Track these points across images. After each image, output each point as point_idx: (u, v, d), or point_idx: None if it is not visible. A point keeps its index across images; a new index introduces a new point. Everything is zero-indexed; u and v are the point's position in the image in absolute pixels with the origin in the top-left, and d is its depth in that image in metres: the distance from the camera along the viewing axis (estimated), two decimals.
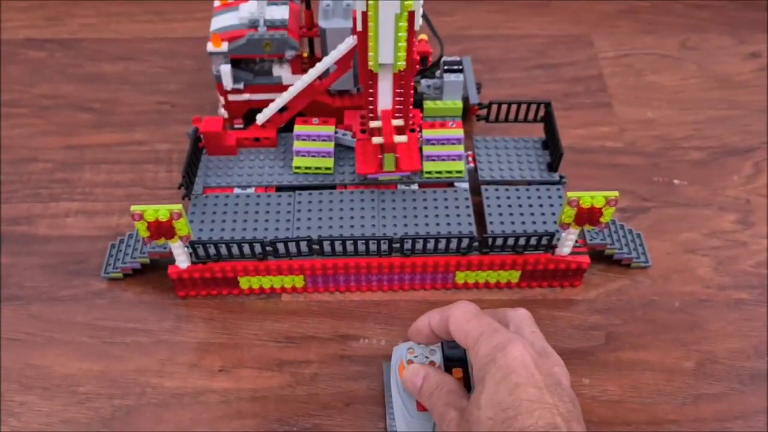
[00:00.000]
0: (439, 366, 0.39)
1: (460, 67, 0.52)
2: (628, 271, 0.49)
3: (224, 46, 0.50)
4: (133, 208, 0.40)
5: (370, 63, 0.44)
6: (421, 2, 0.42)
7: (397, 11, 0.41)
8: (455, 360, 0.39)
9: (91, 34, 0.65)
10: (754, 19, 0.66)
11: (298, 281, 0.47)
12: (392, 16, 0.41)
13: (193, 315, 0.46)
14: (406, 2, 0.41)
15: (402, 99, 0.46)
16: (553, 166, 0.50)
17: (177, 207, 0.40)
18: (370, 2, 0.40)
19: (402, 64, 0.44)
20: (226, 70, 0.51)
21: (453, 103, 0.52)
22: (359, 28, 0.43)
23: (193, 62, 0.62)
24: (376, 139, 0.47)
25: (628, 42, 0.64)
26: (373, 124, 0.47)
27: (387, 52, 0.43)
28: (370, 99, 0.46)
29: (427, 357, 0.39)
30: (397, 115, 0.47)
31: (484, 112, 0.53)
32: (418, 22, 0.43)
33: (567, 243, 0.45)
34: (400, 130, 0.47)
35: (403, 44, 0.43)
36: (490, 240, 0.45)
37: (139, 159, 0.55)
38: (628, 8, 0.67)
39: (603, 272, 0.48)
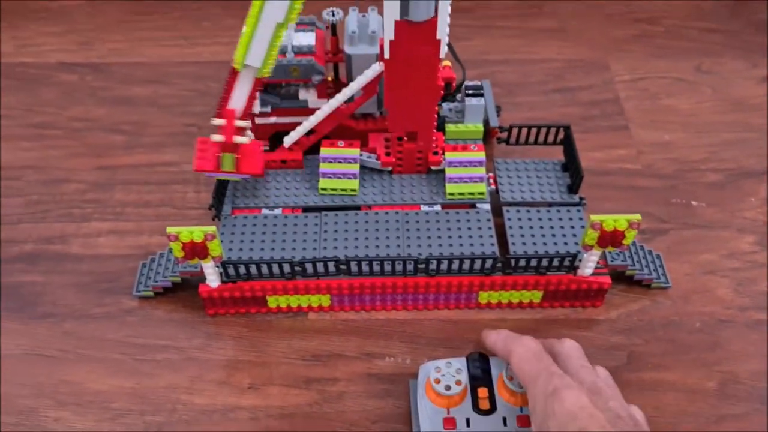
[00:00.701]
0: (465, 385, 0.40)
1: (481, 92, 0.54)
2: (649, 292, 0.49)
3: None
4: (168, 229, 0.41)
5: (236, 60, 0.45)
6: (447, 31, 0.43)
7: (280, 20, 0.42)
8: (481, 379, 0.40)
9: (120, 58, 0.67)
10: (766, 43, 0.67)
11: (325, 300, 0.48)
12: (273, 24, 0.42)
13: (222, 333, 0.48)
14: (291, 15, 0.42)
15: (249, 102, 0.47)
16: (573, 188, 0.52)
17: (211, 229, 0.41)
18: (255, 1, 0.42)
19: (268, 71, 0.45)
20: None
21: (474, 126, 0.54)
22: (386, 56, 0.44)
23: (219, 85, 0.64)
24: (216, 137, 0.47)
25: (644, 66, 0.66)
26: (217, 121, 0.47)
27: (257, 55, 0.45)
28: (224, 95, 0.47)
29: (453, 376, 0.40)
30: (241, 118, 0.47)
31: (504, 134, 0.54)
32: (443, 50, 0.44)
33: (589, 264, 0.46)
34: (242, 132, 0.47)
35: (275, 53, 0.44)
36: (513, 261, 0.46)
37: (168, 180, 0.57)
38: (642, 33, 0.69)
39: (624, 293, 0.49)
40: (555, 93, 0.63)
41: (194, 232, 0.41)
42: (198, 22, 0.70)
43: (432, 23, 0.42)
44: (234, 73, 0.46)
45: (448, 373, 0.40)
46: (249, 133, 0.55)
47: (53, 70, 0.65)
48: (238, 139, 0.47)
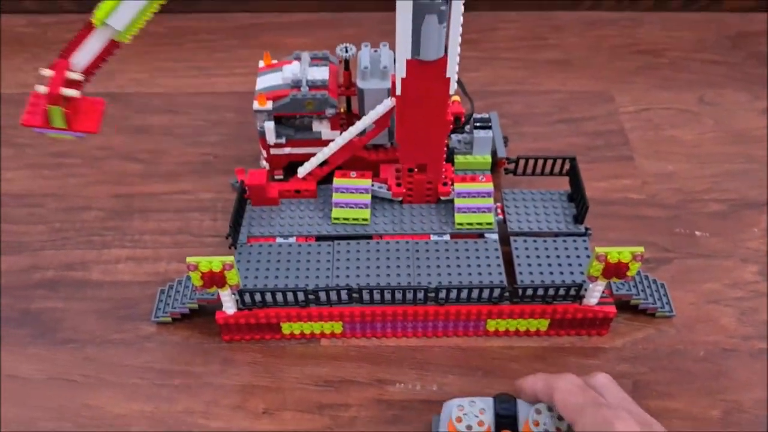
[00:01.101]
0: (488, 426, 0.41)
1: (489, 124, 0.56)
2: (653, 321, 0.51)
3: (269, 105, 0.53)
4: (188, 259, 0.43)
5: (96, 16, 0.43)
6: (456, 69, 0.45)
7: None
8: (506, 418, 0.41)
9: (138, 88, 0.69)
10: None
11: (337, 327, 0.49)
12: None
13: (237, 359, 0.49)
14: None
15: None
16: (578, 219, 0.53)
17: (229, 259, 0.43)
18: None
19: (128, 38, 0.44)
20: (270, 126, 0.54)
21: (482, 157, 0.55)
22: (398, 92, 0.46)
23: (234, 115, 0.66)
24: (40, 88, 0.44)
25: (647, 97, 0.67)
26: (45, 72, 0.44)
27: (123, 18, 0.43)
28: (68, 46, 0.44)
29: (476, 416, 0.41)
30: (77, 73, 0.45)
31: (512, 166, 0.56)
32: (453, 86, 0.46)
33: (594, 294, 0.47)
34: (75, 85, 0.44)
35: (141, 23, 0.43)
36: (520, 290, 0.47)
37: (185, 207, 0.58)
38: (646, 65, 0.70)
39: (629, 321, 0.51)
40: (560, 123, 0.65)
41: (213, 262, 0.43)
42: (212, 53, 0.72)
43: (442, 62, 0.44)
44: (90, 28, 0.43)
45: (470, 412, 0.41)
46: (263, 162, 0.57)
47: None
48: (66, 91, 0.44)
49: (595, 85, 0.69)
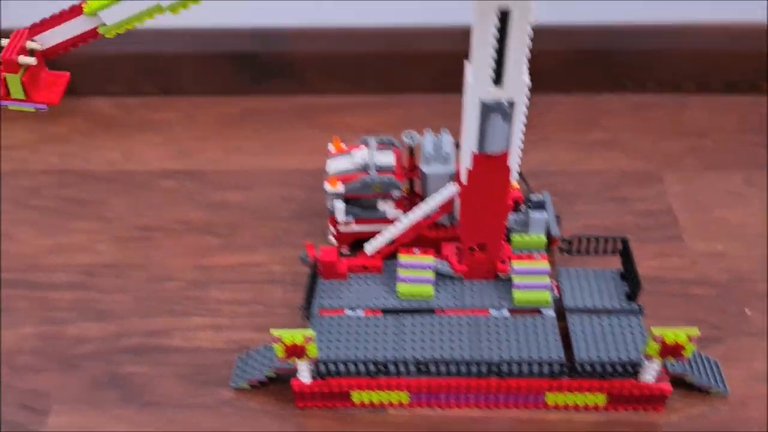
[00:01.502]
0: None
1: (543, 205, 0.59)
2: (707, 398, 0.52)
3: (340, 187, 0.58)
4: (272, 331, 0.47)
5: (90, 6, 0.41)
6: (519, 161, 0.49)
7: (163, 4, 0.42)
8: None
9: (215, 166, 0.75)
10: None
11: (404, 397, 0.52)
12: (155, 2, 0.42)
13: (310, 425, 0.52)
14: (176, 7, 0.41)
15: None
16: (631, 297, 0.56)
17: (310, 332, 0.47)
18: None
19: (111, 35, 0.43)
20: (340, 206, 0.59)
21: (538, 237, 0.59)
22: (463, 181, 0.50)
23: (302, 192, 0.71)
24: None
25: (694, 178, 0.70)
26: (4, 41, 0.43)
27: (115, 15, 0.42)
28: (43, 21, 0.43)
29: None
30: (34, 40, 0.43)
31: (566, 245, 0.59)
32: (515, 175, 0.50)
33: (650, 371, 0.49)
34: (33, 54, 0.43)
35: (131, 25, 0.42)
36: (578, 366, 0.50)
37: (259, 279, 0.63)
38: (692, 146, 0.74)
39: (683, 398, 0.52)
40: (610, 202, 0.68)
41: (296, 336, 0.47)
42: (280, 132, 0.78)
43: (505, 155, 0.48)
44: (76, 12, 0.42)
45: None
46: (331, 238, 0.61)
47: (156, 177, 0.74)
48: (24, 59, 0.42)
49: (643, 165, 0.72)
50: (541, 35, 0.76)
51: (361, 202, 0.60)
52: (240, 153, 0.76)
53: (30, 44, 0.43)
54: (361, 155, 0.60)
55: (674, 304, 0.59)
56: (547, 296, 0.56)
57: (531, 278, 0.57)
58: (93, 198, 0.72)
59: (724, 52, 0.77)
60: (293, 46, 0.80)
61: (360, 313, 0.56)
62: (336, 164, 0.60)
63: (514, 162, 0.49)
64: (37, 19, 0.44)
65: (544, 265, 0.57)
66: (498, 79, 0.44)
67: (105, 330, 0.60)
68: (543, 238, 0.59)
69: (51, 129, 0.80)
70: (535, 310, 0.56)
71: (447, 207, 0.55)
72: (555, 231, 0.61)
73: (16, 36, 0.43)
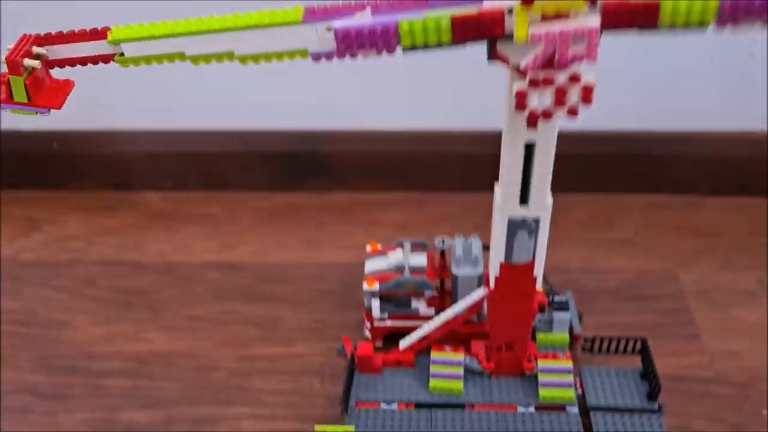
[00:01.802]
0: None
1: (566, 306, 0.63)
2: None
3: (376, 286, 0.63)
4: (317, 427, 0.51)
5: (114, 35, 0.42)
6: (542, 269, 0.54)
7: (191, 53, 0.42)
8: None
9: (256, 259, 0.80)
10: None
11: None
12: (177, 48, 0.42)
13: None
14: (197, 59, 0.41)
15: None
16: (651, 396, 0.59)
17: (350, 428, 0.51)
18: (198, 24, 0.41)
19: (127, 65, 0.43)
20: (376, 304, 0.64)
21: (561, 336, 0.63)
22: (491, 287, 0.55)
23: (339, 286, 0.76)
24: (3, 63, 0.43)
25: (710, 278, 0.74)
26: (10, 46, 0.43)
27: (136, 51, 0.43)
28: (62, 37, 0.43)
29: None
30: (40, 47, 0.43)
31: (588, 344, 0.63)
32: (540, 282, 0.55)
33: None
34: (38, 58, 0.43)
35: (145, 63, 0.42)
36: None
37: (298, 370, 0.67)
38: (706, 246, 0.78)
39: None
40: (629, 301, 0.72)
41: (337, 431, 0.51)
42: (318, 228, 0.84)
43: (531, 264, 0.53)
44: (98, 36, 0.42)
45: None
46: (366, 332, 0.65)
47: (202, 269, 0.79)
48: (28, 62, 0.42)
49: (659, 264, 0.76)
50: (563, 140, 0.82)
51: (395, 299, 0.65)
52: (279, 247, 0.82)
53: (36, 50, 0.43)
54: (396, 257, 0.65)
55: (693, 402, 0.62)
56: (571, 394, 0.59)
57: (555, 376, 0.60)
58: (144, 288, 0.77)
59: (735, 158, 0.82)
60: (331, 147, 0.86)
61: (394, 406, 0.60)
62: (373, 264, 0.65)
63: (540, 270, 0.54)
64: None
65: (567, 363, 0.61)
66: (524, 199, 0.49)
67: (154, 417, 0.64)
68: (566, 337, 0.63)
69: (105, 222, 0.86)
70: (560, 407, 0.59)
71: (476, 308, 0.60)
72: (578, 329, 0.65)
73: (23, 40, 0.43)
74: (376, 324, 0.65)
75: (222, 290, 0.76)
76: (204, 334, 0.71)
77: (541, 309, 0.61)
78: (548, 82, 0.39)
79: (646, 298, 0.72)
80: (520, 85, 0.39)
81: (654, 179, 0.85)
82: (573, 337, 0.65)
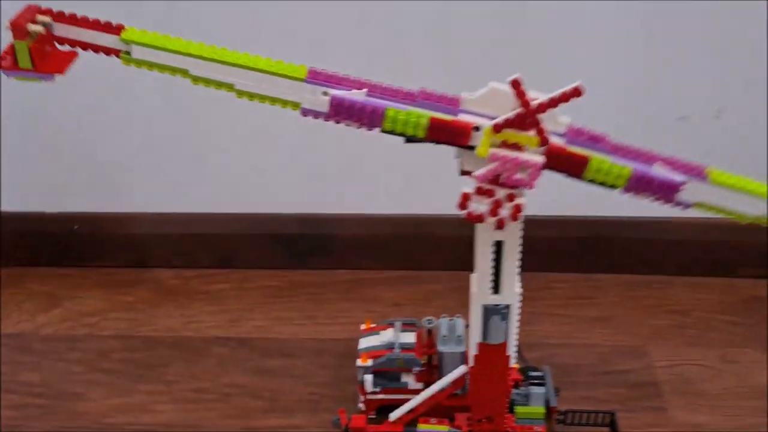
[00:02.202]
0: None
1: (543, 380, 0.70)
2: None
3: (369, 362, 0.70)
4: None
5: (127, 35, 0.44)
6: (515, 348, 0.61)
7: (197, 73, 0.46)
8: None
9: (261, 334, 0.87)
10: None
11: None
12: (192, 68, 0.45)
13: None
14: (197, 81, 0.45)
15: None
16: None
17: None
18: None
19: (131, 64, 0.46)
20: (368, 378, 0.70)
21: (537, 409, 0.69)
22: (471, 364, 0.61)
23: (336, 360, 0.82)
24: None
25: (678, 353, 0.80)
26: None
27: (144, 56, 0.45)
28: (75, 20, 0.45)
29: None
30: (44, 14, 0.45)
31: (562, 417, 0.69)
32: (513, 361, 0.61)
33: None
34: (45, 25, 0.44)
35: (152, 69, 0.45)
36: None
37: None
38: (676, 323, 0.84)
39: None
40: (603, 375, 0.78)
41: None
42: (320, 305, 0.91)
43: (504, 345, 0.60)
44: (111, 30, 0.45)
45: None
46: (360, 405, 0.71)
47: (210, 343, 0.86)
48: (33, 27, 0.43)
49: (632, 340, 0.83)
50: (546, 225, 0.90)
51: (387, 374, 0.71)
52: (283, 323, 0.88)
53: (41, 18, 0.44)
54: (387, 335, 0.71)
55: None
56: None
57: None
58: (156, 362, 0.83)
59: (702, 242, 0.90)
60: (333, 229, 0.94)
61: None
62: (366, 342, 0.72)
63: (512, 349, 0.60)
64: None
65: None
66: (496, 289, 0.57)
67: None
68: (542, 410, 0.69)
69: (121, 298, 0.93)
70: None
71: (459, 383, 0.66)
72: (553, 401, 0.71)
73: (29, 8, 0.44)
74: (369, 397, 0.71)
75: (228, 364, 0.83)
76: (211, 406, 0.77)
77: (516, 385, 0.67)
78: (490, 194, 0.47)
79: (619, 373, 0.78)
80: (467, 189, 0.47)
81: (628, 261, 0.92)
82: (550, 410, 0.70)
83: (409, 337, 0.71)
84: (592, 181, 0.49)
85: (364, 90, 0.46)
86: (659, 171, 0.48)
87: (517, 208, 0.49)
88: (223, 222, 0.95)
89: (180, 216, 0.96)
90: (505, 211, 0.49)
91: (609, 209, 0.90)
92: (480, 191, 0.47)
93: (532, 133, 0.44)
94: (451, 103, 0.47)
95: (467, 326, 0.69)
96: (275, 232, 0.95)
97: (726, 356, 0.80)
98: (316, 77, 0.47)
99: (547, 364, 0.76)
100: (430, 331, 0.71)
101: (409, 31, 0.79)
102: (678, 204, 0.50)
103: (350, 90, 0.46)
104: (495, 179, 0.46)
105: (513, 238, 0.54)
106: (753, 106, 0.82)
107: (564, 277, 0.92)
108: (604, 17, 0.78)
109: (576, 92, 0.43)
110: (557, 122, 0.47)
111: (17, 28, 0.43)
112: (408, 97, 0.47)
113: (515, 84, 0.43)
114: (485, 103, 0.45)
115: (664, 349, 0.81)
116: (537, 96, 0.44)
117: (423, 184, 0.90)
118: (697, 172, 0.49)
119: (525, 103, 0.43)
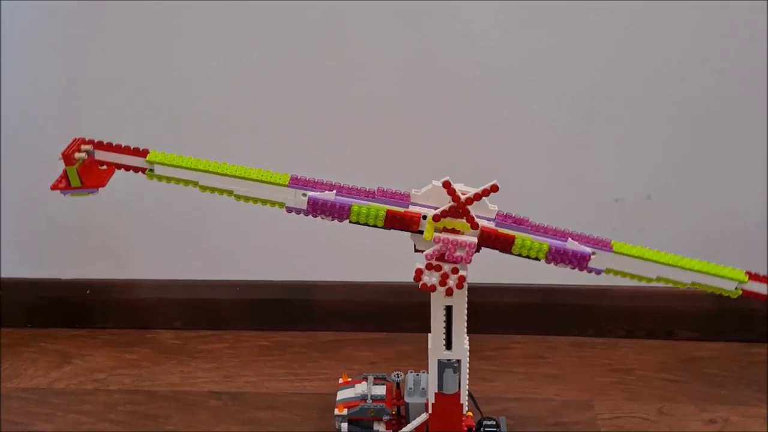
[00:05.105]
0: None
1: (497, 429, 0.80)
2: None
3: (345, 411, 0.80)
4: None
5: (152, 157, 0.55)
6: (466, 396, 0.71)
7: (213, 185, 0.59)
8: None
9: (252, 389, 0.97)
10: (712, 392, 0.92)
11: None
12: (209, 183, 0.58)
13: None
14: (204, 189, 0.57)
15: None
16: None
17: None
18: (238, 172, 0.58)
19: (155, 180, 0.57)
20: (344, 426, 0.80)
21: None
22: (429, 411, 0.72)
23: (318, 412, 0.92)
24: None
25: (620, 407, 0.91)
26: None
27: (168, 174, 0.57)
28: (105, 145, 0.57)
29: None
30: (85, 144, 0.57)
31: None
32: (465, 409, 0.72)
33: None
34: (86, 152, 0.56)
35: (175, 183, 0.58)
36: None
37: None
38: (619, 380, 0.95)
39: None
40: (554, 426, 0.88)
41: None
42: (304, 363, 1.01)
43: (457, 394, 0.71)
44: (138, 154, 0.56)
45: None
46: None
47: (205, 397, 0.95)
48: (79, 154, 0.54)
49: (580, 395, 0.93)
50: (509, 292, 1.02)
51: (361, 422, 0.81)
52: (271, 378, 0.98)
53: (84, 147, 0.57)
54: (361, 388, 0.82)
55: None
56: None
57: None
58: (157, 413, 0.93)
59: (645, 307, 1.01)
60: (316, 295, 1.06)
61: None
62: (343, 394, 0.82)
63: (464, 399, 0.71)
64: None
65: None
66: (448, 345, 0.68)
67: None
68: None
69: (126, 356, 1.04)
70: None
71: (422, 429, 0.76)
72: None
73: (74, 141, 0.57)
74: None
75: (221, 416, 0.92)
76: None
77: (469, 431, 0.77)
78: (438, 268, 0.59)
79: (567, 424, 0.89)
80: (420, 265, 0.59)
81: (579, 324, 1.03)
82: None
83: (380, 390, 0.82)
84: (519, 254, 0.61)
85: (334, 191, 0.60)
86: (572, 244, 0.61)
87: (461, 279, 0.61)
88: (219, 288, 1.07)
89: (181, 283, 1.07)
90: (451, 281, 0.61)
91: (564, 278, 1.01)
92: (429, 267, 0.59)
93: (464, 220, 0.57)
94: (403, 198, 0.60)
95: None
96: (265, 298, 1.07)
97: (662, 409, 0.90)
98: (296, 183, 0.61)
99: (503, 415, 0.86)
100: (398, 384, 0.82)
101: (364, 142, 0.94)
102: (591, 270, 0.62)
103: (323, 191, 0.59)
104: (441, 256, 0.59)
105: (460, 303, 0.66)
106: (679, 190, 0.95)
107: (522, 339, 1.03)
108: (542, 123, 0.92)
109: (494, 188, 0.56)
110: (488, 209, 0.60)
111: (67, 157, 0.56)
112: (369, 195, 0.60)
113: (446, 185, 0.56)
114: (429, 197, 0.58)
115: (607, 403, 0.92)
116: (466, 190, 0.57)
117: (394, 257, 1.02)
118: (604, 245, 0.62)
119: (456, 198, 0.56)
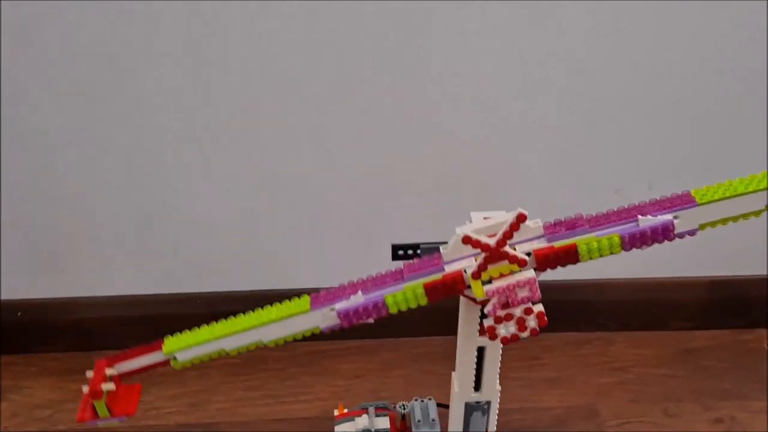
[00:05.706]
0: None
1: None
2: None
3: None
4: None
5: (168, 347, 0.53)
6: None
7: (227, 348, 0.53)
8: None
9: (225, 417, 0.86)
10: (714, 387, 0.90)
11: None
12: (223, 347, 0.53)
13: None
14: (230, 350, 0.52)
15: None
16: None
17: None
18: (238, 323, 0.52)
19: (179, 367, 0.54)
20: None
21: None
22: None
23: None
24: (84, 388, 0.54)
25: (624, 411, 0.87)
26: (88, 373, 0.55)
27: (188, 356, 0.54)
28: (121, 356, 0.55)
29: None
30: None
31: None
32: None
33: None
34: (112, 379, 0.54)
35: (199, 362, 0.54)
36: None
37: None
38: (619, 380, 0.91)
39: None
40: None
41: None
42: (281, 381, 0.91)
43: None
44: (153, 350, 0.54)
45: None
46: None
47: None
48: (105, 386, 0.53)
49: (582, 399, 0.88)
50: None
51: None
52: (245, 404, 0.88)
53: (108, 371, 0.55)
54: (362, 421, 0.73)
55: None
56: None
57: None
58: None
59: (639, 300, 0.97)
60: None
61: None
62: (342, 428, 0.73)
63: None
64: None
65: None
66: (477, 387, 0.60)
67: None
68: None
69: (71, 386, 0.91)
70: None
71: None
72: None
73: (98, 367, 0.55)
74: None
75: None
76: None
77: None
78: (509, 317, 0.50)
79: None
80: (489, 322, 0.50)
81: (573, 320, 0.98)
82: None
83: (383, 423, 0.73)
84: (591, 258, 0.51)
85: (359, 291, 0.50)
86: (645, 221, 0.50)
87: (541, 315, 0.50)
88: (176, 302, 0.94)
89: (128, 298, 0.94)
90: (531, 323, 0.51)
91: (552, 274, 0.95)
92: (499, 320, 0.50)
93: (506, 262, 0.48)
94: (435, 263, 0.50)
95: (440, 405, 0.72)
96: (227, 310, 0.95)
97: (668, 411, 0.87)
98: (318, 301, 0.51)
99: (504, 430, 0.80)
100: (403, 416, 0.74)
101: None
102: (682, 236, 0.51)
103: (349, 297, 0.50)
104: (505, 305, 0.49)
105: (495, 343, 0.57)
106: (679, 190, 0.90)
107: None
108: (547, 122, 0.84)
109: (521, 218, 0.46)
110: (530, 229, 0.50)
111: (95, 392, 0.53)
112: (398, 277, 0.50)
113: (465, 240, 0.46)
114: (460, 247, 0.48)
115: (611, 407, 0.87)
116: (492, 220, 0.48)
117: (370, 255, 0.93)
118: (684, 201, 0.50)
119: (485, 247, 0.47)
